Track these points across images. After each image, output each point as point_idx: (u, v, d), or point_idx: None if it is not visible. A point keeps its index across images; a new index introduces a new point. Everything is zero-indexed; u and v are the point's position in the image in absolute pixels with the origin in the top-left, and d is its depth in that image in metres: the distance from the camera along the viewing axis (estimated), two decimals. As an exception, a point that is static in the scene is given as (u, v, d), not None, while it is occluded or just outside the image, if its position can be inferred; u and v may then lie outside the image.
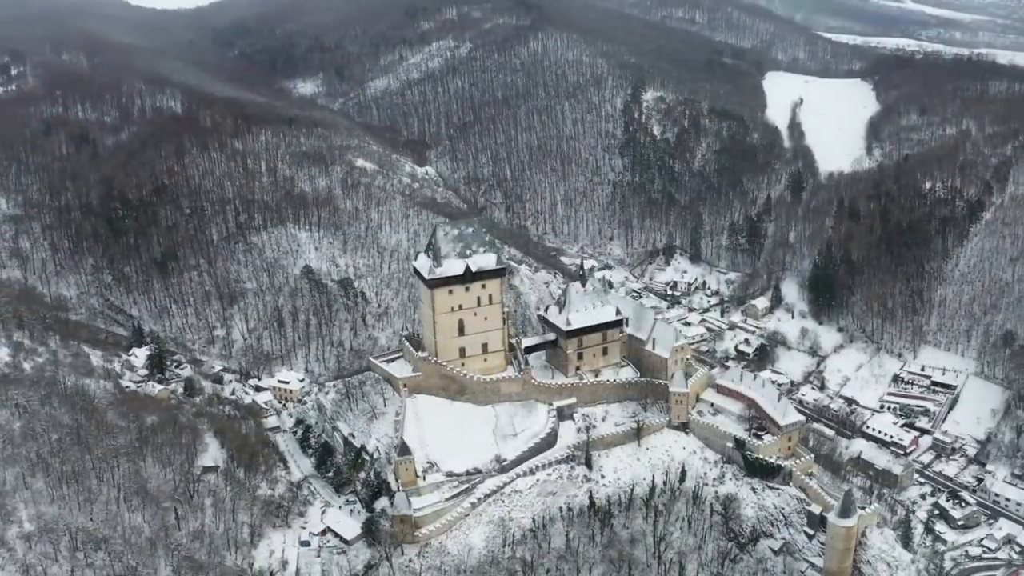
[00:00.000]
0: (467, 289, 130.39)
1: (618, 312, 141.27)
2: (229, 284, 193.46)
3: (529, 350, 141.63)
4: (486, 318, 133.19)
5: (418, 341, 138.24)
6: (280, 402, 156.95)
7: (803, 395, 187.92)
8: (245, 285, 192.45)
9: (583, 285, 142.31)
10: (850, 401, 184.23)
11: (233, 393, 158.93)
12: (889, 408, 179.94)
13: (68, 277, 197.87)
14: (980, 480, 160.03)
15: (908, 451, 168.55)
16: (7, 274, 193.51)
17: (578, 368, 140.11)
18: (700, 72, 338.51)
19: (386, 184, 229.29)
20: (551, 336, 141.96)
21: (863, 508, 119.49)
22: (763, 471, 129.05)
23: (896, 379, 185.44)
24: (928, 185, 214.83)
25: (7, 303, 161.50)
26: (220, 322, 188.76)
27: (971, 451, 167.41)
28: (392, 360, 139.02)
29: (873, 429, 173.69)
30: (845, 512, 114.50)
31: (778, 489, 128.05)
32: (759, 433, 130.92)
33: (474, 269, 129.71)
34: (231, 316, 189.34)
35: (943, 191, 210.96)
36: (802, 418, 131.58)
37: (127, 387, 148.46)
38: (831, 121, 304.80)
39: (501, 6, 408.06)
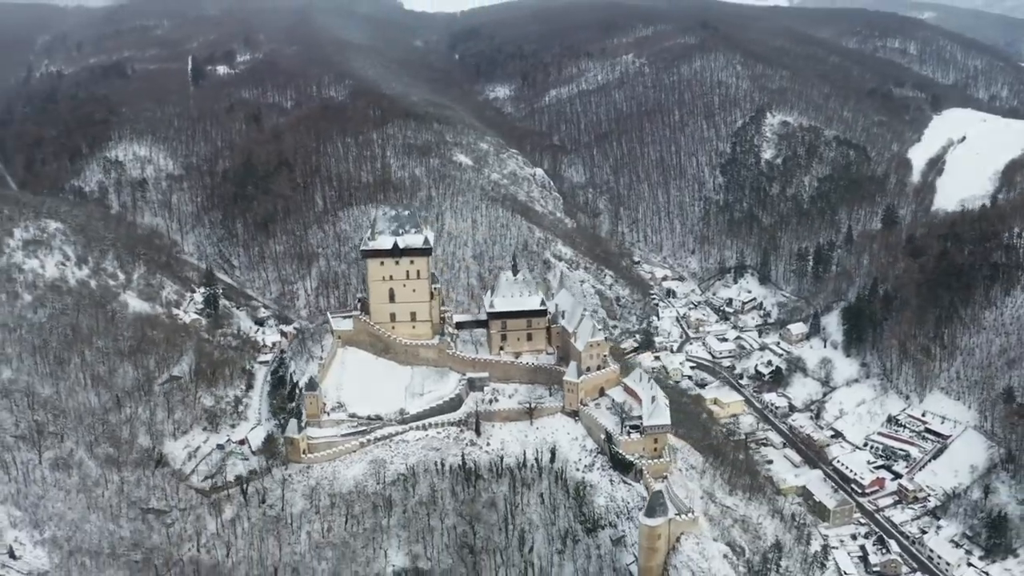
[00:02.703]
0: (397, 263, 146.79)
1: (542, 303, 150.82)
2: (309, 249, 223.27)
3: (460, 325, 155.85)
4: (414, 290, 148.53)
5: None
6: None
7: (794, 420, 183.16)
8: (319, 251, 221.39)
9: (514, 275, 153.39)
10: (837, 434, 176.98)
11: (258, 332, 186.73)
12: (871, 448, 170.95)
13: (197, 229, 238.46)
14: (924, 532, 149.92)
15: (867, 491, 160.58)
16: (154, 221, 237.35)
17: (501, 348, 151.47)
18: (858, 101, 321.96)
19: (472, 179, 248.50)
20: (482, 316, 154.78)
21: (681, 514, 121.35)
22: (621, 466, 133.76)
23: (890, 420, 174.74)
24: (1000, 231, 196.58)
25: (114, 238, 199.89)
26: (294, 279, 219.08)
27: (934, 503, 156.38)
28: (347, 317, 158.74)
29: (841, 463, 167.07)
30: (650, 512, 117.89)
31: (630, 484, 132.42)
32: (630, 431, 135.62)
33: (401, 246, 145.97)
34: (303, 276, 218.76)
35: (1010, 238, 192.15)
36: (666, 423, 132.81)
37: (176, 314, 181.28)
38: (983, 161, 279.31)
39: (687, 25, 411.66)
